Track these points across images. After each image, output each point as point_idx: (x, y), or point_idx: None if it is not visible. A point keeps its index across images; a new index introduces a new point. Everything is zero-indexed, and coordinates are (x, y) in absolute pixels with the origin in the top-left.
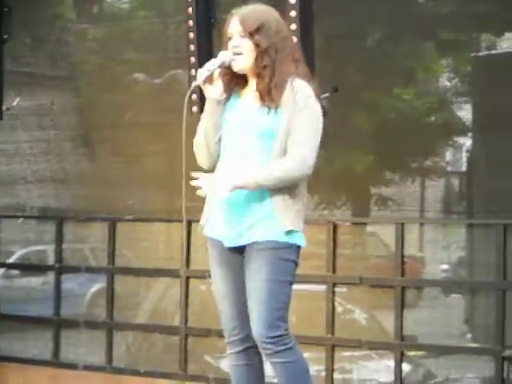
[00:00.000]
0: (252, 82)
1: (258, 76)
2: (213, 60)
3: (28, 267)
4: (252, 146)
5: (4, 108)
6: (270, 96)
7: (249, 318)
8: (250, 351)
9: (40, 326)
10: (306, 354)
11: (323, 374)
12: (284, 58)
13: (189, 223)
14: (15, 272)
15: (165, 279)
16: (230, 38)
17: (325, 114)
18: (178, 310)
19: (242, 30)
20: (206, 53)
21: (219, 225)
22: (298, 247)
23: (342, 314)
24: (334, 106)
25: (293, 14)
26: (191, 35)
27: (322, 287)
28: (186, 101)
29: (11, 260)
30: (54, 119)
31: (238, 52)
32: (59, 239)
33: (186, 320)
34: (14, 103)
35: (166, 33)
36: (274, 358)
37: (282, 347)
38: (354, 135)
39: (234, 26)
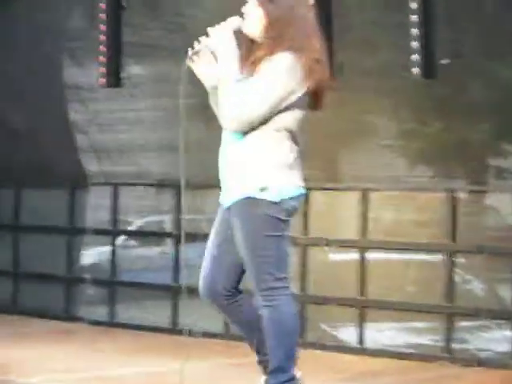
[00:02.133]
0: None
1: (262, 44)
2: (222, 24)
3: (148, 234)
4: None
5: (124, 76)
6: (257, 65)
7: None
8: None
9: (158, 294)
10: (422, 324)
11: (440, 343)
12: (292, 33)
13: None
14: (133, 242)
15: None
16: None
17: None
18: (296, 279)
19: None
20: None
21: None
22: (276, 202)
23: (460, 283)
24: (453, 73)
25: None
26: None
27: (440, 256)
28: (184, 68)
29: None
30: (173, 88)
31: (248, 19)
32: (177, 208)
33: (304, 288)
34: (134, 71)
35: None
36: None
37: (267, 302)
38: (471, 104)
39: None
